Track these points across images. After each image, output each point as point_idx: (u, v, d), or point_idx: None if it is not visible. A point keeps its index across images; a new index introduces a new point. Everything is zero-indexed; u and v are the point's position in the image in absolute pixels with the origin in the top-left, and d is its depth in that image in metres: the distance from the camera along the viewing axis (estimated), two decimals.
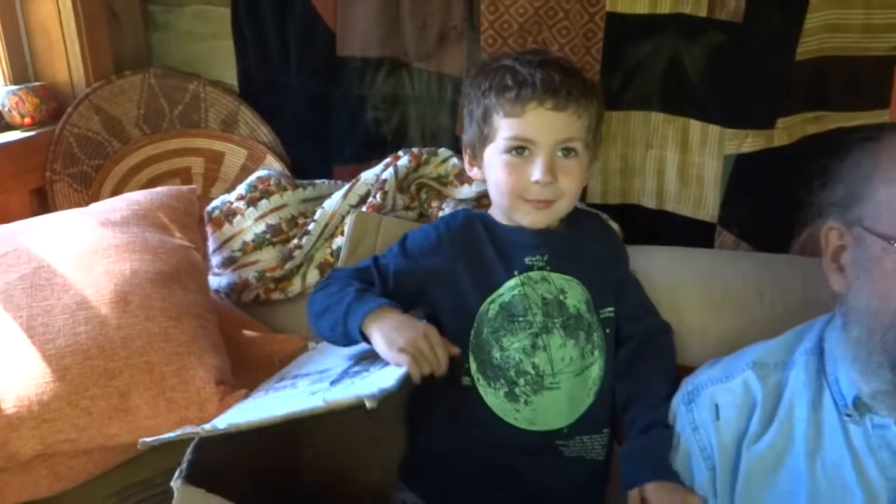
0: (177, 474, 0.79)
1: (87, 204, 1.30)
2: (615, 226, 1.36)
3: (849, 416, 0.89)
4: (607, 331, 1.11)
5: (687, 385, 1.04)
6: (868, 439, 0.87)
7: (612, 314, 1.13)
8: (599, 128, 1.13)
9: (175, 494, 0.77)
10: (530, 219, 1.08)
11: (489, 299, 1.07)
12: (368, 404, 0.75)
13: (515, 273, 1.08)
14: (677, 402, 1.04)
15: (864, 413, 0.88)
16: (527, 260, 1.09)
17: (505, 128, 1.05)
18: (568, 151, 1.05)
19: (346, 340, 1.01)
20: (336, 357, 1.07)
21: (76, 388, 0.93)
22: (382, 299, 1.00)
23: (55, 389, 0.93)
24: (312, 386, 0.93)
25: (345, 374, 0.95)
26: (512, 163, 1.05)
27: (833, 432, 0.90)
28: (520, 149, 1.05)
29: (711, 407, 0.98)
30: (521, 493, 1.08)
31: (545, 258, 1.09)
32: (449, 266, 1.10)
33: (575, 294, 1.09)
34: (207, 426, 0.82)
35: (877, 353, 0.82)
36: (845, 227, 0.89)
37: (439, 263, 1.10)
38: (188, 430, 0.84)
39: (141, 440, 0.84)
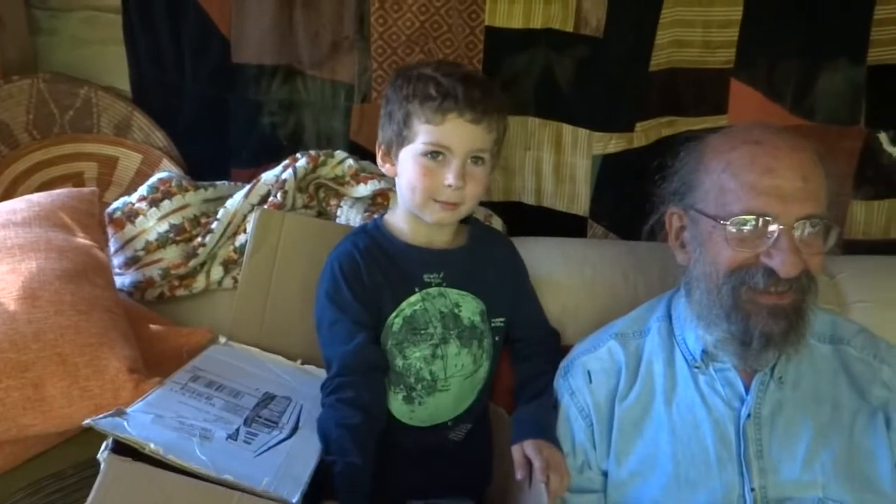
0: (103, 447, 0.82)
1: None
2: (499, 222, 1.50)
3: (697, 367, 1.07)
4: (496, 338, 1.22)
5: (563, 362, 1.19)
6: (712, 382, 1.07)
7: (502, 324, 1.23)
8: (504, 140, 1.23)
9: (102, 466, 0.79)
10: (438, 217, 1.15)
11: (394, 314, 1.15)
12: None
13: (416, 290, 1.16)
14: (557, 377, 1.19)
15: (709, 363, 1.07)
16: (425, 277, 1.18)
17: (424, 133, 1.12)
18: (477, 160, 1.14)
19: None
20: (248, 378, 1.14)
21: None
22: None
23: None
24: (227, 422, 0.98)
25: (254, 421, 1.02)
26: (427, 165, 1.13)
27: (685, 381, 1.08)
28: (435, 153, 1.12)
29: (584, 374, 1.14)
30: (418, 470, 1.17)
31: (441, 275, 1.18)
32: (371, 283, 1.15)
33: (469, 307, 1.19)
34: (136, 437, 0.84)
35: (715, 307, 1.01)
36: (683, 211, 1.08)
37: (368, 282, 1.15)
38: (119, 429, 0.86)
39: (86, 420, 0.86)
